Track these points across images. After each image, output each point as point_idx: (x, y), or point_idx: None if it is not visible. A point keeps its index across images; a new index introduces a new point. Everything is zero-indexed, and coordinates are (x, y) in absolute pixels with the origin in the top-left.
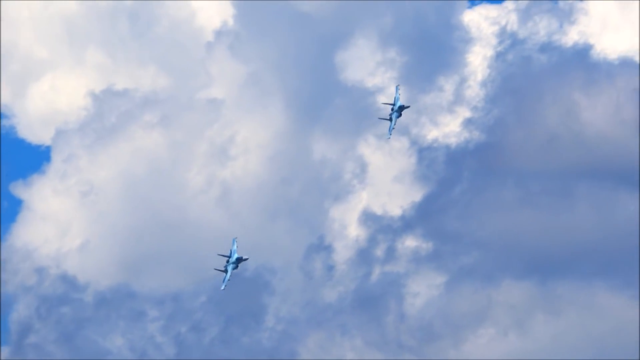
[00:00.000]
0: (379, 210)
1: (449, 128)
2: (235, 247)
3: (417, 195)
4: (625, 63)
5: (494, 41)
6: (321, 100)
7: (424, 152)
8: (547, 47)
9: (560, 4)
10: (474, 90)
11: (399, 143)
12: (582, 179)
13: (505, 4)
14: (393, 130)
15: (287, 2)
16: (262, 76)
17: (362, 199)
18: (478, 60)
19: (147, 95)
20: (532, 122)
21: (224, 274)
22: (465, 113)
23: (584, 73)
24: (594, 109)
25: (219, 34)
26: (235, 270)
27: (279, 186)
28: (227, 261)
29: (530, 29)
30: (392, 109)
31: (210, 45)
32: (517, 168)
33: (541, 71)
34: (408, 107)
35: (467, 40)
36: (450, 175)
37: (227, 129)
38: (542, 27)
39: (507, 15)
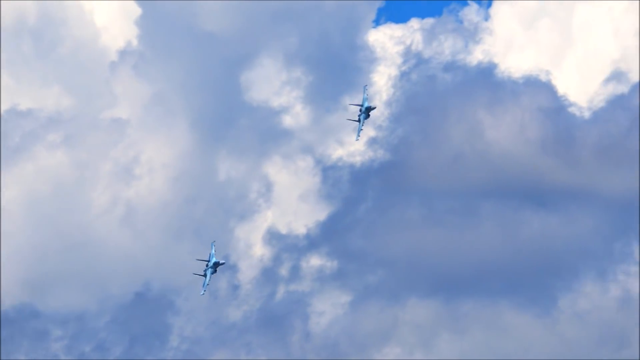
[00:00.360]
0: (283, 229)
1: (353, 147)
2: (213, 251)
3: (322, 214)
4: (529, 82)
5: (398, 60)
6: (226, 120)
7: (329, 171)
8: (451, 66)
9: (466, 23)
10: (379, 110)
11: (304, 162)
12: (487, 197)
13: (410, 23)
14: (361, 132)
15: (192, 21)
16: (166, 96)
17: (268, 218)
18: (383, 80)
19: (51, 116)
20: (436, 141)
21: (204, 278)
22: (370, 132)
23: (489, 92)
24: (499, 128)
25: (123, 54)
26: (214, 275)
27: (184, 206)
28: (207, 265)
29: (435, 49)
30: (360, 110)
31: (114, 65)
32: (422, 187)
33: (446, 90)
34: (374, 107)
35: (372, 60)
36: (355, 194)
37: (131, 149)
38: (447, 46)
39: (412, 35)
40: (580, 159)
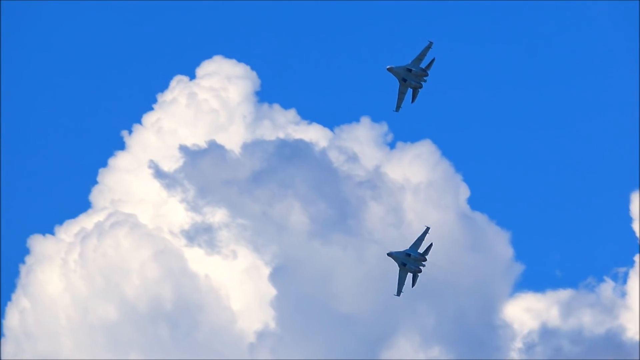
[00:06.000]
0: None
1: None
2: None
3: None
4: None
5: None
6: None
7: None
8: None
9: (602, 298)
10: None
11: None
12: None
13: (547, 293)
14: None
15: (328, 301)
16: None
17: None
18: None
19: None
20: None
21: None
22: None
23: None
24: None
25: (261, 335)
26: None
27: None
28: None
29: (571, 324)
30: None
31: (252, 347)
32: None
33: None
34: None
35: (510, 336)
36: None
37: None
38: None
39: (548, 309)
40: None
